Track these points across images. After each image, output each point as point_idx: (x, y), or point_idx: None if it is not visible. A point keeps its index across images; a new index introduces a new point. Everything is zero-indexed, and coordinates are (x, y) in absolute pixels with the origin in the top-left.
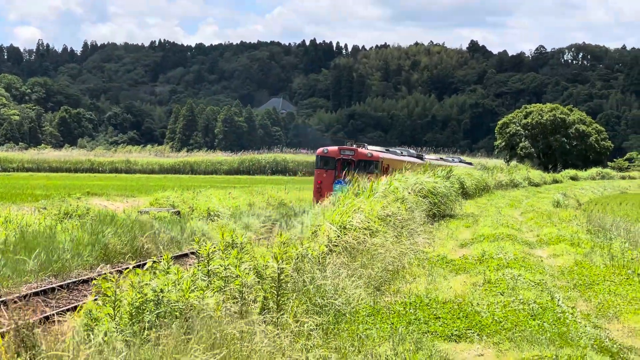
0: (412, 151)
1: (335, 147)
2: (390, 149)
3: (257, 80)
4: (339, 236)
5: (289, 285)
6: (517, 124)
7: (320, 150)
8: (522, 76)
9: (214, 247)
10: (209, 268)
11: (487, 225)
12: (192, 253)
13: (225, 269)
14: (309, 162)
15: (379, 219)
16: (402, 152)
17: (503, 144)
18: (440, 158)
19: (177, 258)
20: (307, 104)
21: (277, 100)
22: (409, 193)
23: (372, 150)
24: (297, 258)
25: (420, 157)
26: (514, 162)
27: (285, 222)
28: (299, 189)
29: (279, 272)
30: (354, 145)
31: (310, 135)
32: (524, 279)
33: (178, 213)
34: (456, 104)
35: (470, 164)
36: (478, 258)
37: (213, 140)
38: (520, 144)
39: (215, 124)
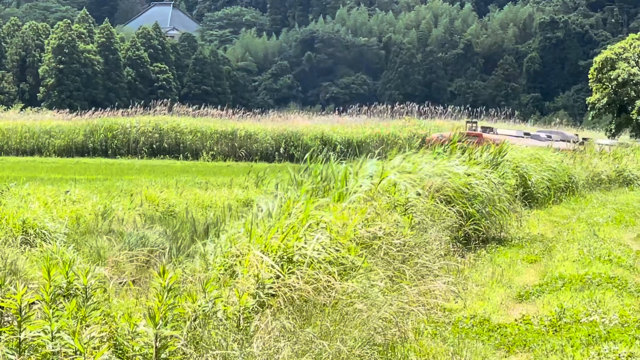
0: (568, 134)
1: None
2: (530, 133)
3: None
4: (278, 277)
5: None
6: (633, 63)
7: (433, 136)
8: None
9: (33, 297)
10: (22, 337)
11: (569, 258)
12: None
13: (52, 338)
14: (226, 132)
15: (358, 243)
16: (549, 136)
17: (604, 100)
18: None
19: None
20: (221, 19)
21: (161, 10)
22: (419, 194)
23: (505, 134)
24: (196, 319)
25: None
26: (624, 137)
27: (176, 248)
28: (203, 187)
29: (158, 345)
30: (478, 128)
31: (230, 81)
32: None
33: None
34: (513, 22)
35: None
36: (551, 322)
37: (36, 88)
38: (638, 102)
39: (40, 58)
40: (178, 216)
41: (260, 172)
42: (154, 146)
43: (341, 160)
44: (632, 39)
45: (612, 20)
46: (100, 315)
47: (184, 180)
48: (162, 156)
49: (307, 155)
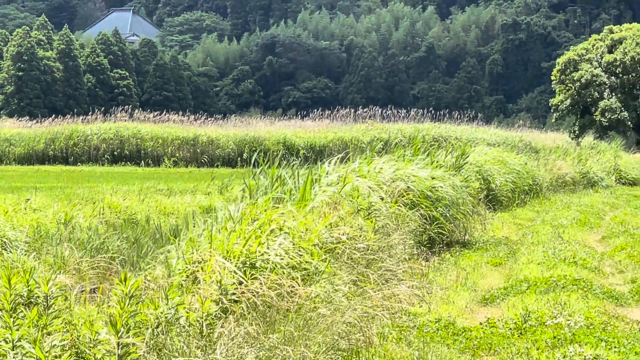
0: None
1: None
2: None
3: None
4: (241, 282)
5: None
6: (595, 64)
7: None
8: None
9: None
10: None
11: (534, 260)
12: None
13: (13, 347)
14: (187, 138)
15: (321, 248)
16: None
17: (568, 102)
18: None
19: None
20: (182, 24)
21: (121, 16)
22: (382, 198)
23: None
24: (158, 326)
25: None
26: (588, 139)
27: (138, 255)
28: (166, 194)
29: (120, 352)
30: None
31: (191, 87)
32: None
33: None
34: (476, 24)
35: None
36: (516, 325)
37: None
38: (601, 103)
39: None
40: (140, 223)
41: (222, 178)
42: (115, 153)
43: (304, 165)
44: (595, 39)
45: (575, 21)
46: (61, 323)
47: (146, 186)
48: (123, 163)
49: (258, 159)
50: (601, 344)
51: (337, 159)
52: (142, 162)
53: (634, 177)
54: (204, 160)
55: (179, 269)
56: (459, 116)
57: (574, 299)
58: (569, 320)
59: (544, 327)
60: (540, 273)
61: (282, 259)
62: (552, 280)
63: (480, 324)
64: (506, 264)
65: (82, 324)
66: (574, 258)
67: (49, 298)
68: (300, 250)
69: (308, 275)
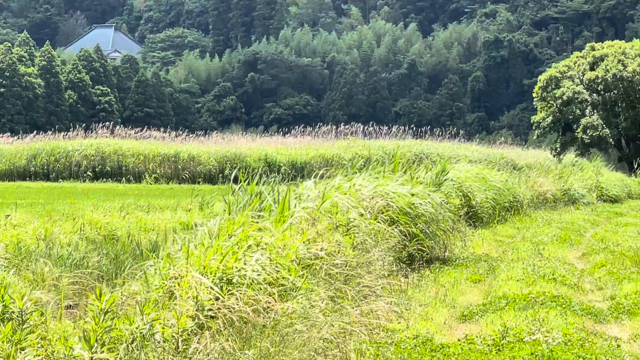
0: None
1: None
2: None
3: None
4: (218, 298)
5: None
6: (577, 81)
7: None
8: None
9: None
10: None
11: (513, 277)
12: None
13: None
14: (169, 155)
15: (299, 264)
16: None
17: (549, 119)
18: None
19: None
20: (163, 41)
21: (103, 32)
22: (362, 214)
23: None
24: (133, 341)
25: None
26: (570, 156)
27: (117, 271)
28: (145, 210)
29: None
30: None
31: (173, 103)
32: None
33: None
34: (458, 41)
35: None
36: (494, 342)
37: None
38: (583, 121)
39: None
40: (120, 239)
41: (203, 194)
42: (96, 169)
43: (285, 181)
44: (577, 57)
45: (557, 38)
46: (36, 338)
47: (127, 203)
48: (104, 179)
49: (239, 176)
50: None
51: (318, 175)
52: (124, 178)
53: (615, 194)
54: (185, 177)
55: (156, 285)
56: (440, 133)
57: (552, 315)
58: (547, 336)
59: (521, 344)
60: (520, 290)
61: (259, 274)
62: (531, 297)
63: (459, 340)
64: (485, 281)
65: (56, 340)
66: (553, 275)
67: (23, 313)
68: (277, 266)
69: (285, 291)
